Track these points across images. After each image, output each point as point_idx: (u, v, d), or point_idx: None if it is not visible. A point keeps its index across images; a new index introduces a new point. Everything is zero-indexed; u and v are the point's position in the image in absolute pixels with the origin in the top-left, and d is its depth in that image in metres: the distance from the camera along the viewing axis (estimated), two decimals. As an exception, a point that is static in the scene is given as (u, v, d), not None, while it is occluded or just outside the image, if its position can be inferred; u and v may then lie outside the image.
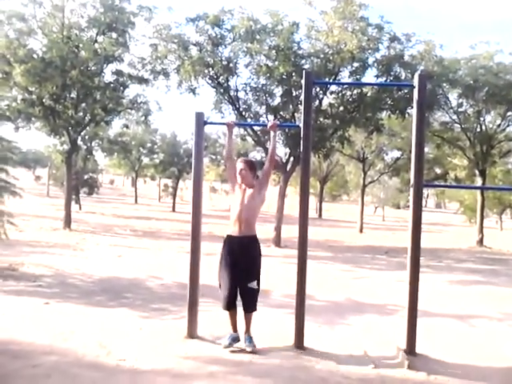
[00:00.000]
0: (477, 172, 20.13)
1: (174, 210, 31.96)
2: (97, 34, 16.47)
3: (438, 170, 27.58)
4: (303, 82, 5.36)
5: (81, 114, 17.56)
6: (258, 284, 5.05)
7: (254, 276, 5.01)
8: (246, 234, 5.04)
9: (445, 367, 4.76)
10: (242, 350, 4.95)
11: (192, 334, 5.35)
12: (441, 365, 4.83)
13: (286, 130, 15.49)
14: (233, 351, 4.95)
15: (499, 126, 19.93)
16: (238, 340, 5.09)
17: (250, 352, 4.91)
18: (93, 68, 16.56)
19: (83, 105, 17.37)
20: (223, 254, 5.13)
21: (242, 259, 4.97)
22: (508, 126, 20.17)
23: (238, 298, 5.09)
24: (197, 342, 5.22)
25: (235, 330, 5.16)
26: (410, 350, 5.02)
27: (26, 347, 4.83)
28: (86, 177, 30.13)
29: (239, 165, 5.18)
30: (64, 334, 5.31)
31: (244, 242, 5.02)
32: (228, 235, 5.17)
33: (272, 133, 5.40)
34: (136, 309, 6.66)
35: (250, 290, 4.98)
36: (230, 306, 5.09)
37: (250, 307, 5.04)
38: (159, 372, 4.33)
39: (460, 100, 19.32)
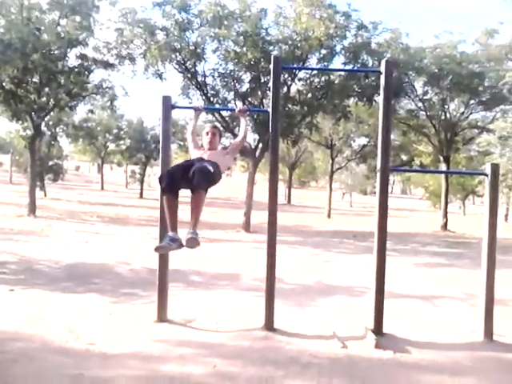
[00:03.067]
0: (441, 158, 20.65)
1: (141, 197, 31.62)
2: (59, 17, 15.95)
3: (404, 157, 28.12)
4: (272, 66, 5.35)
5: (44, 98, 17.07)
6: (215, 173, 4.30)
7: (210, 169, 4.23)
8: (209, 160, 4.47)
9: (411, 345, 4.91)
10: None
11: (162, 317, 5.34)
12: (407, 343, 4.98)
13: (255, 117, 15.48)
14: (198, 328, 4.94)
15: (463, 113, 20.49)
16: (181, 245, 4.17)
17: (193, 241, 4.05)
18: (56, 52, 16.05)
19: (46, 89, 16.88)
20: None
21: (200, 163, 4.29)
22: (471, 113, 20.79)
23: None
24: (167, 325, 5.22)
25: (174, 229, 4.28)
26: (378, 329, 5.15)
27: (-8, 334, 4.73)
28: (50, 163, 29.34)
29: (208, 128, 4.90)
30: (31, 320, 5.21)
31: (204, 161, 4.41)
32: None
33: (242, 119, 5.18)
34: (105, 294, 6.60)
35: (205, 167, 4.19)
36: (171, 186, 4.24)
37: (200, 182, 4.09)
38: (129, 355, 4.31)
39: (425, 88, 19.74)
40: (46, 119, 19.26)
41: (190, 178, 4.09)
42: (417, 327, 5.59)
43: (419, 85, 19.64)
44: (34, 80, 16.57)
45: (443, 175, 21.53)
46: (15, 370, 3.92)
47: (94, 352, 4.36)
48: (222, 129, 18.16)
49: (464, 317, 6.23)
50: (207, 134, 4.85)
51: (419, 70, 17.69)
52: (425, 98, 20.00)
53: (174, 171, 4.39)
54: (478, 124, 21.61)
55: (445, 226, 19.97)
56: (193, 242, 4.06)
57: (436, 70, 17.82)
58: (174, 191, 4.27)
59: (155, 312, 5.36)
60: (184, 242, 4.11)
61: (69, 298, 6.28)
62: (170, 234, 4.24)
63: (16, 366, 4.00)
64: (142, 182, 33.61)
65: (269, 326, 5.18)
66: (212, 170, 4.22)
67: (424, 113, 20.41)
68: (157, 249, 4.38)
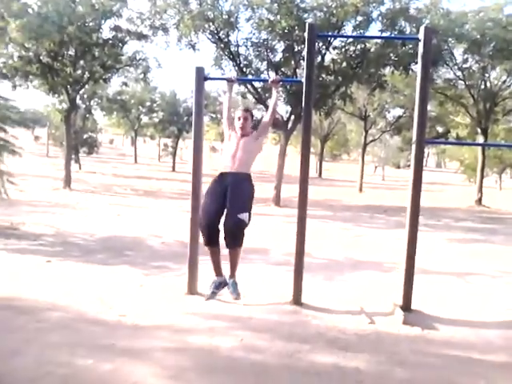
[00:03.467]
0: (479, 130, 19.97)
1: (173, 170, 31.96)
2: (94, -12, 15.98)
3: (440, 129, 27.37)
4: (306, 35, 5.19)
5: (79, 71, 17.32)
6: (249, 218, 4.54)
7: (245, 207, 4.53)
8: (240, 171, 4.67)
9: (440, 322, 4.85)
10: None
11: (192, 290, 5.43)
12: (435, 320, 4.92)
13: (288, 87, 15.27)
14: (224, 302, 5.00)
15: (504, 82, 19.61)
16: (225, 284, 4.80)
17: (235, 299, 4.74)
18: (90, 24, 16.17)
19: (81, 62, 17.11)
20: (211, 188, 4.70)
21: (233, 190, 4.55)
22: (514, 82, 19.85)
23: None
24: (197, 298, 5.30)
25: (219, 273, 4.82)
26: (406, 306, 5.09)
27: (30, 303, 4.92)
28: (85, 136, 29.94)
29: (239, 113, 4.91)
30: (66, 290, 5.39)
31: (237, 177, 4.66)
32: (220, 172, 4.76)
33: (274, 89, 5.13)
34: (137, 266, 6.76)
35: (239, 221, 4.44)
36: (211, 240, 4.63)
37: (235, 241, 4.50)
38: (160, 327, 4.42)
39: (465, 56, 18.89)
40: (80, 92, 19.54)
41: (224, 236, 4.52)
42: (447, 304, 5.51)
43: (459, 52, 18.86)
44: (70, 53, 16.79)
45: (480, 148, 20.83)
46: (52, 338, 4.07)
47: (126, 323, 4.48)
48: (254, 100, 18.11)
49: (498, 294, 6.11)
50: (239, 119, 4.88)
51: (460, 36, 16.86)
52: (464, 66, 19.18)
53: (210, 224, 4.60)
54: (521, 93, 20.74)
55: (479, 201, 19.44)
56: (235, 292, 4.77)
57: (478, 36, 16.95)
58: (214, 242, 4.68)
59: (186, 285, 5.45)
60: (229, 289, 4.77)
61: (102, 270, 6.47)
62: (216, 279, 4.83)
63: (52, 334, 4.16)
64: (174, 155, 33.90)
65: (297, 300, 5.20)
66: (246, 220, 4.49)
67: (463, 82, 19.64)
68: (207, 299, 4.87)
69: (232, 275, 4.77)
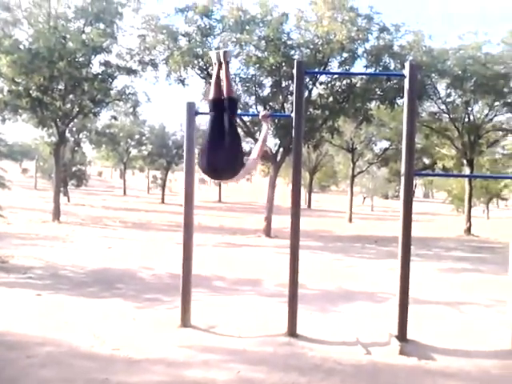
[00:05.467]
0: (465, 162, 20.33)
1: (163, 202, 31.86)
2: (84, 25, 16.28)
3: (427, 160, 27.80)
4: (295, 71, 5.36)
5: (69, 105, 17.40)
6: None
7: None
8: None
9: (436, 352, 4.85)
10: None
11: (186, 323, 5.38)
12: (432, 350, 4.91)
13: (276, 121, 15.49)
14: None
15: (487, 115, 20.16)
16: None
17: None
18: (81, 59, 16.36)
19: (71, 96, 17.21)
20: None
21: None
22: (495, 115, 20.41)
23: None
24: (190, 330, 5.25)
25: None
26: (402, 336, 5.09)
27: (20, 338, 4.83)
28: (74, 169, 29.87)
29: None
30: (57, 325, 5.31)
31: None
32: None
33: (264, 124, 5.01)
34: (129, 299, 6.67)
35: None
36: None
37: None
38: (154, 361, 4.35)
39: (448, 90, 19.46)
40: (70, 125, 19.61)
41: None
42: (442, 334, 5.51)
43: (442, 87, 19.40)
44: (60, 87, 16.89)
45: (467, 179, 21.16)
46: (44, 373, 3.99)
47: (119, 357, 4.41)
48: (243, 134, 18.31)
49: (491, 324, 6.12)
50: None
51: (442, 72, 17.45)
52: (448, 100, 19.72)
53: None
54: (503, 126, 21.24)
55: (468, 230, 19.62)
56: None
57: (459, 72, 17.56)
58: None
59: (179, 317, 5.40)
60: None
61: (93, 303, 6.38)
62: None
63: (44, 370, 4.08)
64: (163, 187, 33.90)
65: (292, 332, 5.17)
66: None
67: (447, 115, 20.12)
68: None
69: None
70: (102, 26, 16.04)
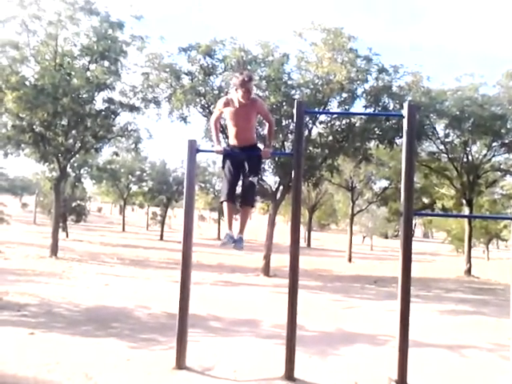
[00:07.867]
0: (464, 201, 20.34)
1: (161, 239, 31.69)
2: (89, 62, 16.59)
3: (426, 200, 27.82)
4: (295, 111, 5.44)
5: (71, 141, 17.55)
6: (258, 182, 5.09)
7: (256, 171, 5.24)
8: (246, 144, 5.28)
9: (437, 399, 4.71)
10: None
11: (181, 364, 5.25)
12: (433, 396, 4.77)
13: (276, 159, 15.60)
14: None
15: (485, 156, 20.29)
16: (234, 240, 5.12)
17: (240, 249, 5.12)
18: (84, 95, 16.59)
19: (74, 132, 17.38)
20: (227, 160, 5.25)
21: (247, 158, 5.18)
22: (494, 156, 20.56)
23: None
24: (185, 373, 5.12)
25: (230, 227, 5.22)
26: (401, 380, 4.95)
27: (9, 380, 4.70)
28: (73, 204, 29.85)
29: (244, 78, 5.01)
30: (49, 365, 5.17)
31: (246, 146, 5.27)
32: (230, 144, 5.40)
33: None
34: (124, 339, 6.53)
35: (252, 183, 5.13)
36: (230, 197, 5.14)
37: (249, 200, 5.19)
38: (147, 404, 4.22)
39: (447, 130, 19.67)
40: (71, 161, 19.72)
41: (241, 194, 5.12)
42: (443, 379, 5.37)
43: (440, 127, 19.60)
44: (63, 123, 17.08)
45: (466, 219, 21.11)
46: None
47: (112, 400, 4.28)
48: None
49: (494, 368, 5.97)
50: (245, 84, 5.01)
51: (440, 112, 17.71)
52: (446, 140, 19.90)
53: (230, 185, 5.13)
54: (501, 167, 21.36)
55: (469, 272, 19.42)
56: (239, 246, 5.09)
57: (457, 113, 17.79)
58: (233, 198, 5.17)
59: (174, 359, 5.27)
60: (233, 244, 5.08)
61: (87, 343, 6.23)
62: (229, 232, 5.12)
63: (33, 413, 3.95)
64: (162, 223, 33.80)
65: (289, 375, 5.04)
66: (256, 183, 5.15)
67: (446, 155, 20.27)
68: (221, 246, 5.24)
69: (241, 231, 5.18)
70: (106, 63, 16.36)
